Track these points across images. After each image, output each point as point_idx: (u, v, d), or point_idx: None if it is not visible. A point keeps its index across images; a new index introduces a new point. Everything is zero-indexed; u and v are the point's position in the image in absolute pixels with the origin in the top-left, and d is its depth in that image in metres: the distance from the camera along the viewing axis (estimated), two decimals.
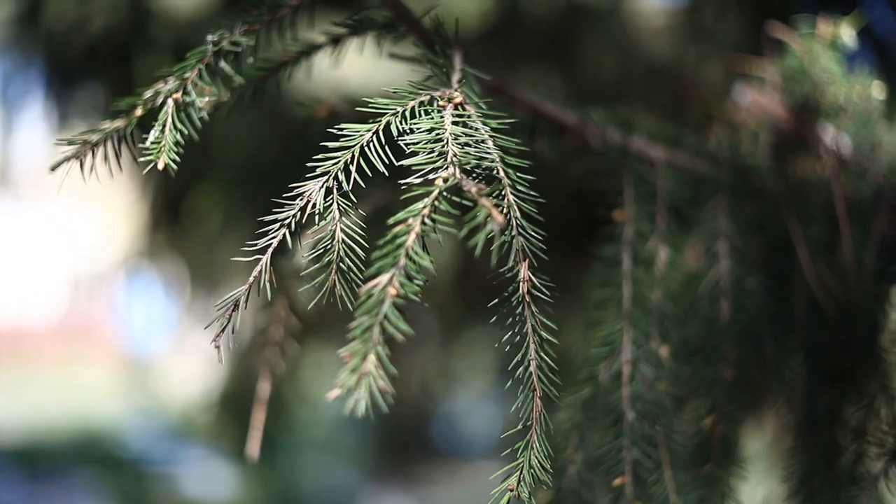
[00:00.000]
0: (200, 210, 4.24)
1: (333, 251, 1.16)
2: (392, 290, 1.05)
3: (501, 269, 1.18)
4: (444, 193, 1.10)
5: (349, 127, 1.20)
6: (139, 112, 1.28)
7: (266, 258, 1.16)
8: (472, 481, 9.16)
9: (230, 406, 5.04)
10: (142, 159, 1.23)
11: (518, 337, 1.18)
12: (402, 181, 1.12)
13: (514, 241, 1.18)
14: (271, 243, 1.16)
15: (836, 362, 1.51)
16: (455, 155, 1.13)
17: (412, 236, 1.07)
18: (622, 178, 1.48)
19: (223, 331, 1.14)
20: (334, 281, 1.15)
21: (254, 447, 1.58)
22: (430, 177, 1.11)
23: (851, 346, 1.51)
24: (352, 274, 1.15)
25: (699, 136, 1.60)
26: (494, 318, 1.20)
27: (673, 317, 1.43)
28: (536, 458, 1.17)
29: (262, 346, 1.64)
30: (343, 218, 1.17)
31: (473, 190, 1.09)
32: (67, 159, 1.26)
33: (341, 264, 1.15)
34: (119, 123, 1.28)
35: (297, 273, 1.63)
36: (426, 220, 1.08)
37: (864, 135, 1.63)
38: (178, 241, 4.77)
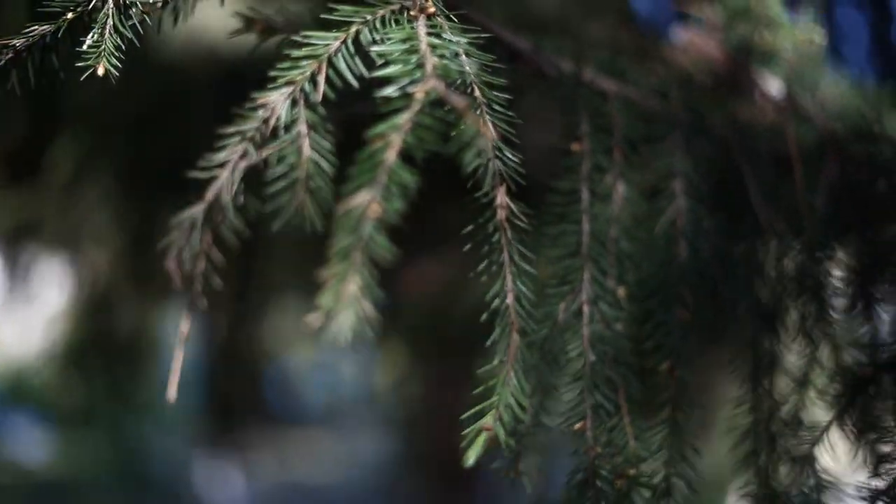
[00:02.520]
0: (50, 160, 3.90)
1: (301, 169, 1.05)
2: (375, 209, 0.95)
3: (477, 194, 1.11)
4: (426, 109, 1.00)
5: (315, 35, 1.09)
6: (70, 16, 1.14)
7: (226, 175, 1.05)
8: (303, 448, 9.08)
9: (77, 361, 4.72)
10: (79, 65, 1.10)
11: (494, 267, 1.11)
12: (378, 94, 1.01)
13: (490, 164, 1.10)
14: (231, 158, 1.05)
15: (783, 308, 1.47)
16: (435, 66, 1.03)
17: (393, 152, 0.97)
18: (578, 108, 1.40)
19: (179, 253, 1.03)
20: (302, 201, 1.04)
21: (172, 390, 1.44)
22: (409, 89, 1.01)
23: (799, 292, 1.47)
24: (321, 194, 1.05)
25: (646, 73, 1.54)
26: (469, 245, 1.12)
27: (629, 256, 1.36)
28: (514, 395, 1.09)
29: (185, 280, 1.50)
30: (312, 132, 1.06)
31: (460, 104, 0.99)
32: None
33: (310, 183, 1.04)
34: (47, 28, 1.14)
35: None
36: (408, 137, 0.98)
37: (805, 81, 1.61)
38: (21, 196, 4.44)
